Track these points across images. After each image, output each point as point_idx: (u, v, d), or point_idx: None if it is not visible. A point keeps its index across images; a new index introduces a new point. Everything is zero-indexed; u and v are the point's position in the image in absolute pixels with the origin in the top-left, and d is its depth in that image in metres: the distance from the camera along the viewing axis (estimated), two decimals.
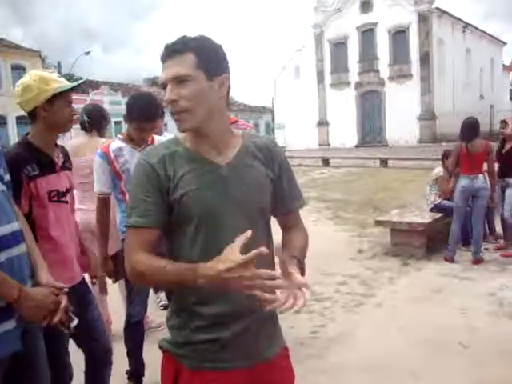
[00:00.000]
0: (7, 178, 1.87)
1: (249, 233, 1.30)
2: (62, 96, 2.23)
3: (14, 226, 1.73)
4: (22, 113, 2.33)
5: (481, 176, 5.90)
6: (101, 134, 4.10)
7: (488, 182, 6.02)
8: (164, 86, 1.44)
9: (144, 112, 2.98)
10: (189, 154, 1.48)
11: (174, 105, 1.42)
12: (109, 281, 3.36)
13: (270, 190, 1.56)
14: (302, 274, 1.44)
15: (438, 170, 6.83)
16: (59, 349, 2.34)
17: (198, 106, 1.41)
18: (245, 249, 1.36)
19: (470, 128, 5.93)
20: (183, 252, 1.47)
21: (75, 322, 2.22)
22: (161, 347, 1.58)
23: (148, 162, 1.46)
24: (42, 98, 2.19)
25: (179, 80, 1.40)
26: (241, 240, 1.30)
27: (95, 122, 4.06)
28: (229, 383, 1.47)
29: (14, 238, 1.71)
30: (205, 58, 1.41)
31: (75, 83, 2.33)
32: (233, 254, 1.27)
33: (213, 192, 1.45)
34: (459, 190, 5.99)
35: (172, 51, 1.42)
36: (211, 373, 1.46)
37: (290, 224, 1.67)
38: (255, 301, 1.32)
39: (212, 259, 1.33)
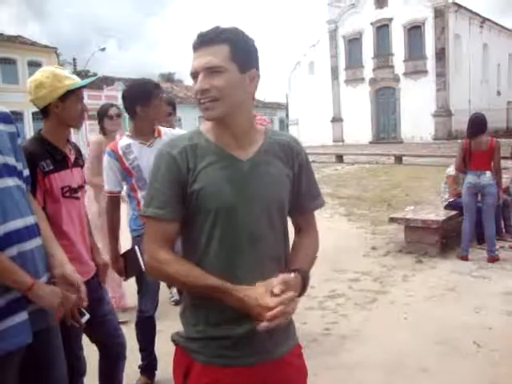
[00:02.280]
0: (26, 173, 1.89)
1: (289, 278, 1.40)
2: (73, 93, 2.24)
3: (29, 221, 1.74)
4: None
5: (488, 173, 5.82)
6: None
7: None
8: (195, 75, 1.42)
9: (141, 90, 2.99)
10: (211, 147, 1.47)
11: (204, 94, 1.41)
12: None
13: (289, 188, 1.56)
14: (304, 287, 1.52)
15: (451, 169, 6.76)
16: (72, 343, 2.35)
17: (227, 96, 1.40)
18: (262, 245, 1.47)
19: (477, 124, 5.89)
20: (199, 247, 1.47)
21: (86, 316, 2.24)
22: (173, 341, 1.58)
23: (169, 153, 1.45)
24: (55, 95, 2.21)
25: (212, 70, 1.39)
26: (279, 281, 1.36)
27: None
28: (240, 380, 1.47)
29: (28, 232, 1.72)
30: (239, 50, 1.41)
31: (87, 81, 2.34)
32: (266, 296, 1.33)
33: (232, 187, 1.44)
34: (466, 186, 5.96)
35: (206, 40, 1.40)
36: (223, 369, 1.46)
37: (304, 226, 1.66)
38: None
39: (229, 257, 1.43)
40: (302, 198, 1.60)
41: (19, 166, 1.81)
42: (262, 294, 1.34)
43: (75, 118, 2.31)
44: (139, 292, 3.23)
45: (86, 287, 2.34)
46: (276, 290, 1.33)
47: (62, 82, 2.21)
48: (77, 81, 2.27)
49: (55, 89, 2.20)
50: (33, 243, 1.74)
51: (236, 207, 1.44)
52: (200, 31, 1.43)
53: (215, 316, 1.46)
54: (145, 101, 2.98)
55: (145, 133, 3.09)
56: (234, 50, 1.40)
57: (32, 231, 1.75)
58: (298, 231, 1.67)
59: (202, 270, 1.41)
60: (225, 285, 1.37)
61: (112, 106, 4.74)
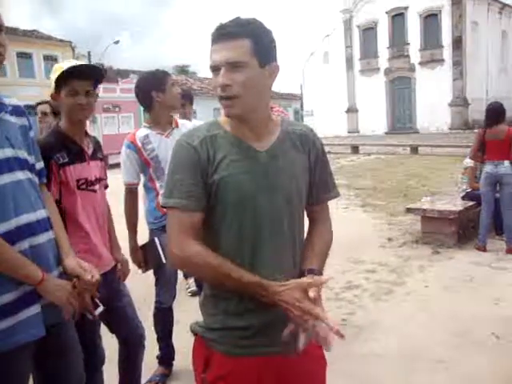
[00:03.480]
0: (40, 165, 1.89)
1: (323, 279, 1.44)
2: (66, 85, 2.21)
3: (40, 214, 1.74)
4: None
5: (506, 162, 5.74)
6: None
7: None
8: (215, 69, 1.41)
9: (153, 77, 3.03)
10: (230, 138, 1.47)
11: (226, 89, 1.40)
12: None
13: (306, 179, 1.57)
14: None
15: (470, 160, 6.68)
16: (89, 332, 2.39)
17: (248, 93, 1.40)
18: (281, 235, 1.49)
19: (494, 113, 5.82)
20: (219, 238, 1.47)
21: (100, 308, 2.26)
22: (192, 331, 1.59)
23: (189, 144, 1.45)
24: (51, 89, 2.25)
25: (234, 65, 1.38)
26: (317, 283, 1.40)
27: None
28: (260, 369, 1.48)
29: (39, 226, 1.73)
30: (260, 44, 1.40)
31: (67, 67, 2.20)
32: (305, 300, 1.36)
33: (251, 178, 1.45)
34: (483, 176, 5.91)
35: (228, 33, 1.38)
36: (243, 358, 1.47)
37: (319, 216, 1.66)
38: None
39: (249, 247, 1.45)
40: (317, 188, 1.61)
41: (31, 159, 1.80)
42: (301, 297, 1.36)
43: (69, 113, 2.27)
44: (157, 283, 3.25)
45: (102, 280, 2.37)
46: (312, 295, 1.35)
47: (54, 74, 2.22)
48: (58, 73, 2.21)
49: (51, 81, 2.24)
50: (44, 237, 1.74)
51: (256, 198, 1.45)
52: (220, 23, 1.42)
53: (235, 306, 1.47)
54: (159, 85, 3.01)
55: (162, 122, 3.10)
56: (256, 45, 1.39)
57: (44, 225, 1.75)
58: (312, 221, 1.67)
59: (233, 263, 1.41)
60: (261, 281, 1.38)
61: (41, 103, 4.67)
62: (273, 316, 1.44)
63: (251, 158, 1.47)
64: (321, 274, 1.52)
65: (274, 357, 1.48)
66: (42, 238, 1.73)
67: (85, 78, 2.24)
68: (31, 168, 1.79)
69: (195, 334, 1.58)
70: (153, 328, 3.29)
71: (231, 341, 1.47)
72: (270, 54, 1.45)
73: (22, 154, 1.73)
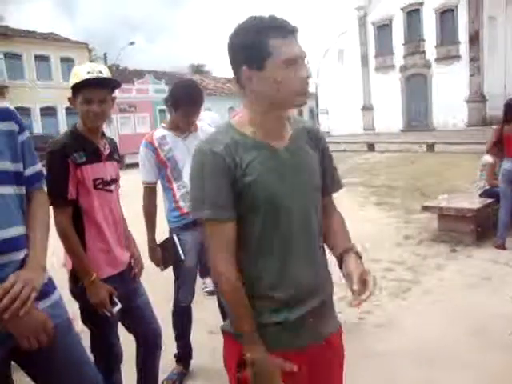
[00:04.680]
0: (33, 169, 1.76)
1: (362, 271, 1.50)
2: (80, 92, 2.26)
3: (6, 234, 1.58)
4: None
5: None
6: None
7: None
8: (292, 62, 1.41)
9: (189, 98, 3.02)
10: (250, 141, 1.47)
11: (307, 82, 1.48)
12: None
13: (320, 172, 1.62)
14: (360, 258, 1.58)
15: (488, 157, 6.60)
16: (107, 331, 2.42)
17: None
18: (311, 231, 1.54)
19: None
20: (253, 242, 1.48)
21: (118, 306, 2.30)
22: (223, 330, 1.60)
23: (213, 151, 1.42)
24: (69, 93, 2.30)
25: (303, 60, 1.45)
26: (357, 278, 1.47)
27: None
28: (296, 361, 1.50)
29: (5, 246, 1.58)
30: None
31: (80, 80, 2.23)
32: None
33: (277, 178, 1.47)
34: (502, 173, 5.84)
35: (293, 30, 1.44)
36: (280, 353, 1.48)
37: (330, 206, 1.73)
38: (318, 284, 1.56)
39: (284, 246, 1.48)
40: (327, 181, 1.67)
41: (17, 167, 1.67)
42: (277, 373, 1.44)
43: (84, 119, 2.32)
44: (176, 282, 3.28)
45: (119, 279, 2.41)
46: (355, 287, 1.43)
47: (72, 80, 2.27)
48: (77, 80, 2.23)
49: (69, 86, 2.28)
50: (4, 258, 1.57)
51: (283, 197, 1.47)
52: (279, 17, 1.44)
53: (270, 303, 1.50)
54: (190, 106, 3.03)
55: (180, 127, 3.13)
56: None
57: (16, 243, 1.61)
58: (324, 211, 1.70)
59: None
60: (254, 335, 1.45)
61: None
62: (305, 311, 1.50)
63: (274, 158, 1.49)
64: (356, 249, 1.60)
65: (306, 349, 1.52)
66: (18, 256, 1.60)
67: (99, 87, 2.27)
68: (16, 178, 1.66)
69: (227, 334, 1.58)
70: (171, 326, 3.32)
71: (265, 337, 1.48)
72: None
73: (3, 165, 1.61)
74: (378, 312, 4.26)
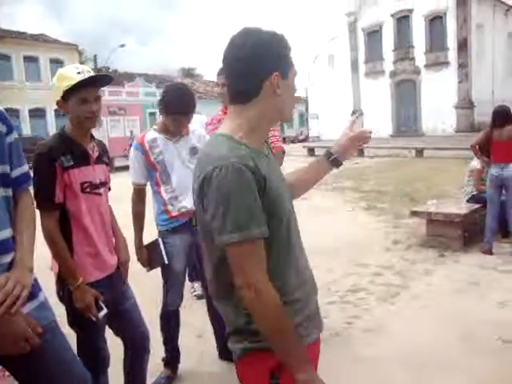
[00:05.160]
0: (21, 170, 1.75)
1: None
2: (74, 93, 2.23)
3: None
4: None
5: (511, 165, 5.75)
6: None
7: None
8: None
9: (181, 105, 2.99)
10: (258, 151, 1.45)
11: None
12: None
13: None
14: None
15: (476, 163, 6.66)
16: (94, 336, 2.40)
17: None
18: (297, 225, 1.58)
19: (501, 116, 5.80)
20: (275, 250, 1.43)
21: (104, 311, 2.28)
22: (243, 352, 1.47)
23: (245, 165, 1.33)
24: (57, 95, 2.25)
25: None
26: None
27: None
28: (315, 354, 1.56)
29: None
30: None
31: (78, 80, 2.21)
32: None
33: (282, 184, 1.52)
34: (489, 178, 5.89)
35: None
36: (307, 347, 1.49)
37: None
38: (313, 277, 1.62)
39: (298, 252, 1.53)
40: None
41: (4, 168, 1.66)
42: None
43: (78, 120, 2.29)
44: (165, 285, 3.26)
45: (107, 282, 2.39)
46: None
47: (62, 83, 2.22)
48: (72, 81, 2.21)
49: (57, 90, 2.24)
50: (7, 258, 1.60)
51: (289, 201, 1.53)
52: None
53: (298, 303, 1.50)
54: (181, 112, 3.00)
55: (171, 131, 3.12)
56: None
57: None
58: None
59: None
60: (307, 360, 1.41)
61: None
62: (314, 303, 1.58)
63: (273, 165, 1.51)
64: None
65: (318, 340, 1.58)
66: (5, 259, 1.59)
67: (93, 85, 2.27)
68: (3, 181, 1.65)
69: (248, 353, 1.47)
70: (159, 329, 3.30)
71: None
72: None
73: None
74: (367, 316, 4.27)
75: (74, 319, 2.35)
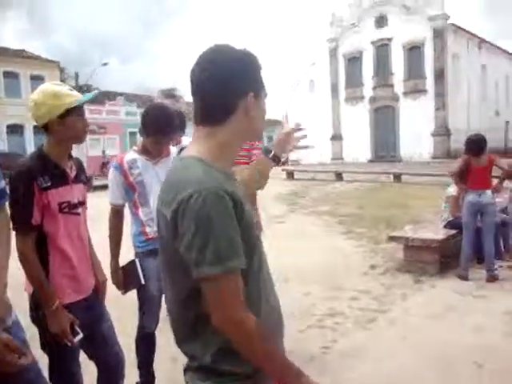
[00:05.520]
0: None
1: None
2: (74, 110, 2.24)
3: None
4: None
5: (488, 191, 5.90)
6: None
7: (495, 198, 6.10)
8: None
9: (160, 126, 2.98)
10: (228, 175, 1.39)
11: None
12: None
13: None
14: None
15: (452, 189, 6.77)
16: (68, 360, 2.34)
17: None
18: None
19: (479, 144, 5.96)
20: (253, 281, 1.37)
21: (79, 336, 2.23)
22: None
23: (224, 190, 1.25)
24: (54, 114, 2.21)
25: None
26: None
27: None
28: None
29: None
30: None
31: (87, 97, 2.31)
32: None
33: (251, 211, 1.40)
34: (466, 205, 5.99)
35: None
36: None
37: None
38: None
39: (269, 282, 1.46)
40: None
41: None
42: None
43: (76, 136, 2.30)
44: (141, 308, 3.21)
45: (83, 305, 2.34)
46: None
47: (62, 101, 2.21)
48: (76, 98, 2.25)
49: (54, 107, 2.20)
50: None
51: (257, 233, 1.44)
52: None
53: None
54: (160, 133, 2.99)
55: (151, 152, 3.10)
56: None
57: None
58: None
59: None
60: (300, 371, 1.35)
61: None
62: (282, 336, 1.52)
63: (242, 189, 1.45)
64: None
65: None
66: None
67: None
68: None
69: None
70: (134, 353, 3.24)
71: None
72: None
73: None
74: (343, 341, 4.26)
75: (48, 342, 2.28)
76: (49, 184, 2.20)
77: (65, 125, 2.24)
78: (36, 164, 2.22)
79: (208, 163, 1.32)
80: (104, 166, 23.11)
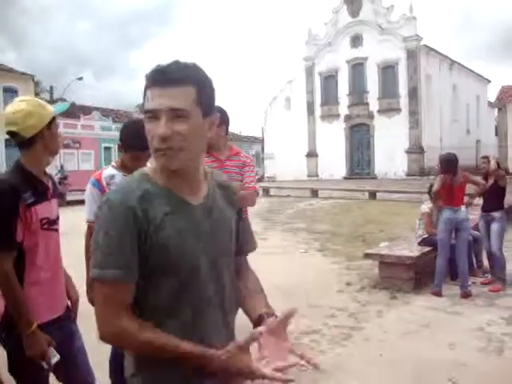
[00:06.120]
0: None
1: (257, 333, 1.28)
2: (54, 119, 2.26)
3: None
4: None
5: (463, 208, 6.06)
6: None
7: (469, 215, 6.31)
8: (153, 116, 1.29)
9: (138, 141, 2.95)
10: (165, 193, 1.34)
11: (166, 141, 1.27)
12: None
13: (235, 232, 1.53)
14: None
15: (426, 206, 6.88)
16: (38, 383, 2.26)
17: (191, 145, 1.30)
18: (223, 300, 1.42)
19: (454, 162, 6.11)
20: (158, 311, 1.34)
21: (56, 358, 2.14)
22: None
23: (125, 203, 1.28)
24: (44, 122, 2.19)
25: (176, 114, 1.27)
26: (250, 341, 1.28)
27: None
28: None
29: None
30: (204, 93, 1.31)
31: (64, 106, 2.34)
32: (247, 359, 1.27)
33: (192, 237, 1.35)
34: (443, 222, 6.08)
35: (172, 79, 1.26)
36: None
37: (244, 266, 1.63)
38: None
39: (194, 317, 1.35)
40: (241, 241, 1.58)
41: None
42: (246, 361, 1.27)
43: (58, 145, 2.31)
44: None
45: (56, 323, 2.27)
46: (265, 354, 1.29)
47: (47, 109, 2.23)
48: (56, 108, 2.32)
49: (43, 116, 2.19)
50: None
51: (198, 259, 1.36)
52: (160, 65, 1.30)
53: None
54: (138, 149, 2.95)
55: (130, 168, 3.07)
56: (200, 93, 1.30)
57: None
58: (239, 272, 1.59)
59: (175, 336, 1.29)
60: (204, 353, 1.28)
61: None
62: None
63: (188, 215, 1.36)
64: (273, 314, 1.46)
65: None
66: None
67: None
68: None
69: None
70: (107, 373, 3.16)
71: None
72: (212, 104, 1.37)
73: None
74: (321, 358, 4.23)
75: (18, 366, 2.18)
76: (32, 200, 2.14)
77: (51, 134, 2.23)
78: (19, 180, 2.15)
79: (147, 175, 1.38)
80: (61, 181, 20.62)
